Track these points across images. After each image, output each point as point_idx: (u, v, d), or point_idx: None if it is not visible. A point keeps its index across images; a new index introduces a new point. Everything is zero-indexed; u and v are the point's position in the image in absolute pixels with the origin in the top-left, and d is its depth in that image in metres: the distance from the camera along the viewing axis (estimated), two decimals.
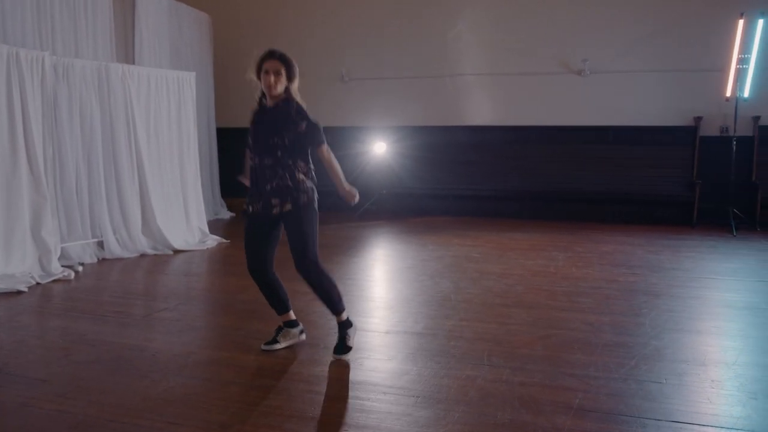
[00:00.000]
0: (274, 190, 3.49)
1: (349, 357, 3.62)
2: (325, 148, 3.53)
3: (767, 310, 4.59)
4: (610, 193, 8.91)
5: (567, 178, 9.21)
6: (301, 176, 3.52)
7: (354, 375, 3.41)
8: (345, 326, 3.69)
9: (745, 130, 8.29)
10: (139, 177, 6.75)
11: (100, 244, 6.51)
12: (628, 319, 4.39)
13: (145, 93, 6.85)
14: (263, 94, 3.56)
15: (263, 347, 3.76)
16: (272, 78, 3.45)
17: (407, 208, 9.80)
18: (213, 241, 7.32)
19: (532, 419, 2.87)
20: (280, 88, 3.48)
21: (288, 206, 3.49)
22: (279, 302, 3.78)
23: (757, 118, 8.33)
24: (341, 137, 10.19)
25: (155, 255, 6.68)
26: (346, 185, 3.59)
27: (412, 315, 4.52)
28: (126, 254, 6.53)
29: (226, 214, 9.69)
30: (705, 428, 2.77)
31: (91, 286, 5.50)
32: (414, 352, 3.76)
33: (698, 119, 8.61)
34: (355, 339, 3.76)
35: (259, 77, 3.51)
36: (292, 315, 3.84)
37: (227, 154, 9.82)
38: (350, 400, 3.09)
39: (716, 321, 4.44)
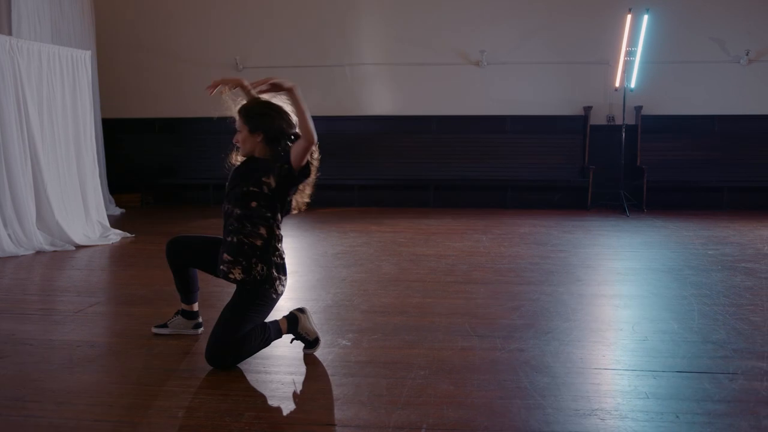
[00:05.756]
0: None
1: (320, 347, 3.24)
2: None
3: (687, 271, 4.94)
4: (510, 180, 9.26)
5: (468, 166, 9.44)
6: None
7: (358, 354, 3.22)
8: (294, 333, 3.19)
9: (628, 119, 8.93)
10: (33, 166, 6.01)
11: None
12: (579, 288, 4.53)
13: (37, 72, 6.10)
14: None
15: (154, 330, 3.50)
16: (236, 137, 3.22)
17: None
18: (116, 235, 6.69)
19: (551, 380, 2.85)
20: (246, 147, 3.20)
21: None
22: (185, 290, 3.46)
23: (639, 108, 9.01)
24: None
25: (54, 251, 5.98)
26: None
27: (374, 295, 4.37)
28: (21, 251, 5.78)
29: (116, 210, 8.93)
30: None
31: None
32: (396, 328, 3.62)
33: (588, 109, 9.16)
34: (311, 324, 3.21)
35: None
36: (195, 307, 3.53)
37: (114, 147, 9.09)
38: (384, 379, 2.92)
39: (656, 284, 4.69)
